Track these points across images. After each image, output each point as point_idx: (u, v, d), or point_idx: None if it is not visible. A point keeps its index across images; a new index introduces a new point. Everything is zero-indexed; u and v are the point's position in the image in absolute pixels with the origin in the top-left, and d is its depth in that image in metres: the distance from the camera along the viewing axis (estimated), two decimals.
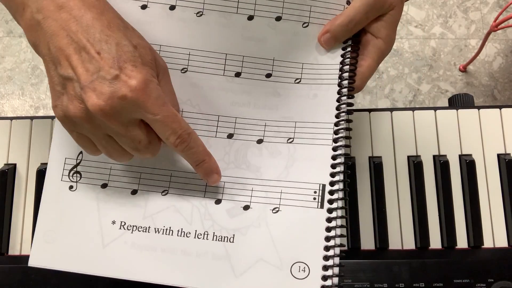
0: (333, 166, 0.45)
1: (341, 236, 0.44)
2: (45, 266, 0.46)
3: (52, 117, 0.59)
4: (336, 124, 0.45)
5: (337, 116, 0.45)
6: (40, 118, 0.59)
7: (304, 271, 0.43)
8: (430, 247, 0.54)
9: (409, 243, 0.55)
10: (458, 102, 0.62)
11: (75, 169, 0.47)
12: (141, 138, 0.39)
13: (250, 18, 0.46)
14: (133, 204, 0.46)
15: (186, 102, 0.46)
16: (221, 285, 0.44)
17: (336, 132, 0.45)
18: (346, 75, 0.46)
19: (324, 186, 0.45)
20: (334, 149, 0.45)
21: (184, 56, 0.46)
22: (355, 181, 0.56)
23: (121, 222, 0.46)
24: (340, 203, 0.44)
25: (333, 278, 0.43)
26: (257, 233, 0.44)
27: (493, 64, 1.47)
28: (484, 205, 0.55)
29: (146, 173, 0.46)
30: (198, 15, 0.46)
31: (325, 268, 0.43)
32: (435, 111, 0.58)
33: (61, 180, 0.47)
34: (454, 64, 1.46)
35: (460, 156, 0.57)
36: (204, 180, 0.45)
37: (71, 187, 0.46)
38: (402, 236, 0.55)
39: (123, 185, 0.46)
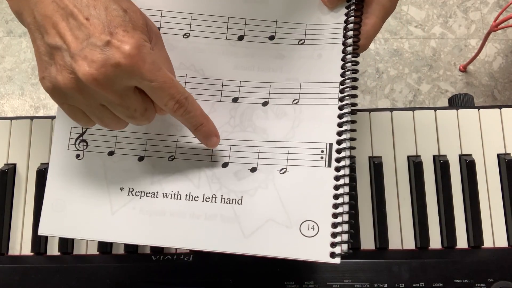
0: (340, 124, 0.45)
1: (349, 193, 0.44)
2: (54, 234, 0.46)
3: (52, 117, 0.59)
4: (342, 83, 0.45)
5: (342, 75, 0.45)
6: (40, 118, 0.59)
7: (314, 229, 0.43)
8: (430, 247, 0.54)
9: (409, 243, 0.55)
10: (458, 102, 0.62)
11: (81, 138, 0.47)
12: (137, 105, 0.38)
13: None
14: (141, 171, 0.46)
15: (189, 67, 0.46)
16: (231, 246, 0.44)
17: (342, 91, 0.45)
18: (350, 33, 0.46)
19: (331, 145, 0.45)
20: (340, 108, 0.45)
21: (186, 21, 0.46)
22: (355, 181, 0.56)
23: (129, 188, 0.46)
24: (347, 161, 0.44)
25: (343, 235, 0.43)
26: (265, 194, 0.45)
27: (493, 64, 1.47)
28: (484, 205, 0.55)
29: (152, 140, 0.47)
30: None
31: (334, 225, 0.43)
32: (435, 111, 0.58)
33: (68, 149, 0.47)
34: (454, 64, 1.46)
35: (460, 156, 0.57)
36: (203, 143, 0.45)
37: (77, 155, 0.47)
38: (402, 236, 0.55)
39: (129, 152, 0.46)
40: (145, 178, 0.46)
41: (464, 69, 1.45)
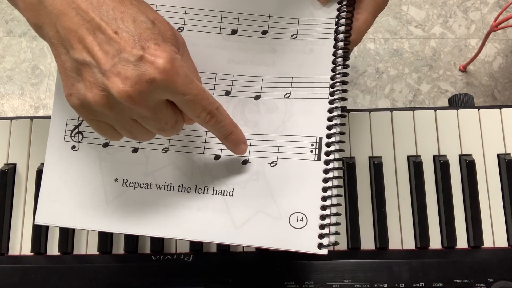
0: (330, 119, 0.45)
1: (337, 186, 0.45)
2: (50, 223, 0.47)
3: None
4: (332, 78, 0.46)
5: (333, 70, 0.46)
6: (40, 118, 0.59)
7: (302, 220, 0.44)
8: (430, 247, 0.54)
9: (409, 243, 0.55)
10: (458, 102, 0.62)
11: (76, 130, 0.48)
12: (168, 119, 0.37)
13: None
14: (135, 162, 0.47)
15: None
16: (222, 236, 0.45)
17: (332, 86, 0.46)
18: (342, 29, 0.46)
19: (321, 138, 0.45)
20: (331, 102, 0.46)
21: (180, 15, 0.46)
22: (355, 181, 0.56)
23: (123, 179, 0.47)
24: (336, 155, 0.45)
25: (331, 227, 0.44)
26: (256, 186, 0.45)
27: (493, 64, 1.47)
28: (484, 205, 0.55)
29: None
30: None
31: (323, 217, 0.44)
32: (435, 111, 0.58)
33: (64, 140, 0.48)
34: (454, 64, 1.46)
35: (460, 156, 0.57)
36: (231, 151, 0.45)
37: (73, 147, 0.47)
38: (402, 236, 0.55)
39: (124, 144, 0.47)
40: (139, 170, 0.47)
41: (464, 69, 1.45)
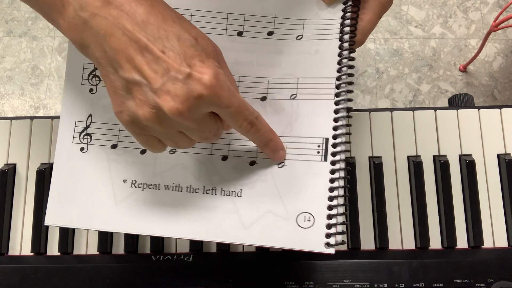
0: (336, 120, 0.46)
1: (344, 187, 0.45)
2: (60, 224, 0.48)
3: (52, 117, 0.59)
4: (338, 79, 0.46)
5: (338, 71, 0.46)
6: (40, 118, 0.59)
7: (309, 220, 0.45)
8: (430, 247, 0.54)
9: (409, 243, 0.55)
10: (458, 102, 0.62)
11: (85, 131, 0.48)
12: (211, 128, 0.39)
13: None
14: (143, 163, 0.47)
15: None
16: (231, 236, 0.45)
17: (338, 87, 0.46)
18: (347, 29, 0.46)
19: (327, 139, 0.46)
20: (336, 103, 0.46)
21: (186, 17, 0.46)
22: (355, 181, 0.56)
23: (132, 180, 0.47)
24: (342, 156, 0.45)
25: (337, 226, 0.44)
26: (264, 186, 0.46)
27: (493, 64, 1.47)
28: (484, 205, 0.55)
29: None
30: None
31: (329, 217, 0.44)
32: (435, 111, 0.58)
33: (72, 142, 0.48)
34: (454, 64, 1.46)
35: (460, 156, 0.57)
36: (269, 157, 0.46)
37: (82, 148, 0.48)
38: (402, 236, 0.55)
39: (132, 145, 0.47)
40: (147, 171, 0.47)
41: (464, 69, 1.45)
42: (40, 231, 0.55)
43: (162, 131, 0.37)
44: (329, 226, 0.44)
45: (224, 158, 0.47)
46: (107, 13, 0.34)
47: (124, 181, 0.47)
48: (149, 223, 0.46)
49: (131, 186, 0.47)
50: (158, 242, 0.55)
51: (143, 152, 0.47)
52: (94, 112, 0.48)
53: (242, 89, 0.47)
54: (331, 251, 0.44)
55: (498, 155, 0.56)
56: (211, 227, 0.45)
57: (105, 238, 0.55)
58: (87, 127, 0.48)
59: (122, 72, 0.35)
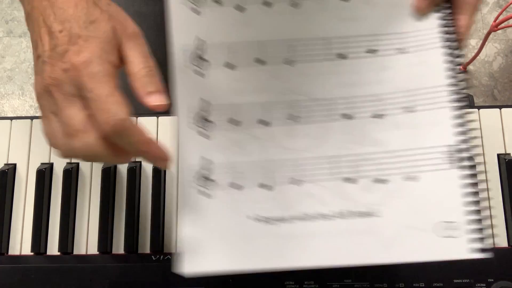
0: (457, 125, 0.46)
1: (479, 190, 0.45)
2: (200, 272, 0.46)
3: None
4: (451, 85, 0.46)
5: (450, 77, 0.46)
6: (40, 118, 0.59)
7: (450, 229, 0.44)
8: None
9: None
10: None
11: (207, 177, 0.46)
12: (72, 115, 0.37)
13: None
14: (268, 198, 0.46)
15: (296, 92, 0.46)
16: (372, 258, 0.44)
17: (452, 93, 0.46)
18: (448, 36, 0.47)
19: (451, 146, 0.46)
20: (455, 109, 0.46)
21: (285, 48, 0.46)
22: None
23: (260, 217, 0.46)
24: (470, 160, 0.45)
25: (479, 231, 0.44)
26: (395, 203, 0.45)
27: (493, 64, 1.47)
28: (484, 205, 0.55)
29: (271, 166, 0.47)
30: (293, 5, 0.46)
31: (469, 222, 0.44)
32: None
33: (198, 193, 0.46)
34: None
35: None
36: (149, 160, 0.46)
37: (205, 194, 0.46)
38: None
39: (254, 182, 0.46)
40: (274, 205, 0.46)
41: (464, 69, 1.45)
42: (40, 231, 0.55)
43: (45, 103, 0.39)
44: (470, 231, 0.44)
45: (349, 180, 0.46)
46: (39, 4, 0.39)
47: (253, 218, 0.46)
48: (286, 256, 0.45)
49: (261, 222, 0.46)
50: (158, 242, 0.55)
51: (265, 187, 0.46)
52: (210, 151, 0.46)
53: (354, 110, 0.46)
54: (479, 255, 0.43)
55: (498, 155, 0.56)
56: (349, 251, 0.44)
57: (105, 238, 0.55)
58: (208, 173, 0.46)
59: (36, 49, 0.39)
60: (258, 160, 0.47)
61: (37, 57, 0.39)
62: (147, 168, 0.58)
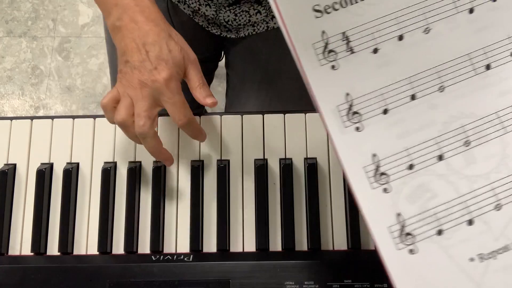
0: None
1: None
2: None
3: (52, 117, 0.59)
4: None
5: None
6: (40, 118, 0.59)
7: None
8: None
9: None
10: None
11: (404, 232, 0.44)
12: (149, 108, 0.52)
13: (471, 11, 0.45)
14: (477, 233, 0.44)
15: (459, 116, 0.45)
16: None
17: None
18: None
19: None
20: None
21: (433, 76, 0.45)
22: None
23: (478, 255, 0.44)
24: None
25: None
26: None
27: None
28: None
29: (467, 201, 0.44)
30: (426, 32, 0.44)
31: None
32: None
33: (397, 249, 0.44)
34: None
35: None
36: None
37: (411, 251, 0.44)
38: None
39: (456, 222, 0.44)
40: (487, 237, 0.44)
41: None
42: (40, 231, 0.55)
43: (130, 92, 0.53)
44: None
45: None
46: (129, 26, 0.53)
47: (471, 259, 0.43)
48: None
49: (482, 261, 0.43)
50: (158, 242, 0.55)
51: (470, 223, 0.44)
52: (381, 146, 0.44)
53: None
54: None
55: None
56: None
57: (105, 238, 0.55)
58: (403, 226, 0.43)
59: (123, 56, 0.53)
60: (451, 199, 0.44)
61: (126, 61, 0.53)
62: (147, 168, 0.58)
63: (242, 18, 0.73)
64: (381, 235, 0.43)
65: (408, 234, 0.43)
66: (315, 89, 0.43)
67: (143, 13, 0.54)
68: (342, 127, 0.43)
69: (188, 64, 0.54)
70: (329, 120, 0.43)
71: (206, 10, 0.73)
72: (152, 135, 0.53)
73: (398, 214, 0.43)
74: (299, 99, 0.77)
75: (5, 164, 0.58)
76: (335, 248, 0.55)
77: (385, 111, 0.44)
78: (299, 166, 0.57)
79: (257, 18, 0.73)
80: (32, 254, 0.55)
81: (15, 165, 0.58)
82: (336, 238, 0.55)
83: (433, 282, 0.43)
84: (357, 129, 0.43)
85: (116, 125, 0.57)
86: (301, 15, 0.42)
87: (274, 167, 0.57)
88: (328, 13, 0.42)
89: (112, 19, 0.54)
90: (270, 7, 0.72)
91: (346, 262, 0.52)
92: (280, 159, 0.57)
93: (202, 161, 0.58)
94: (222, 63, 0.89)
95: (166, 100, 0.52)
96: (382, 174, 0.43)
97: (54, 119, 0.59)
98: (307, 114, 0.58)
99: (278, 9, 0.42)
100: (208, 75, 0.88)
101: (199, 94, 0.54)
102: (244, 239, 0.56)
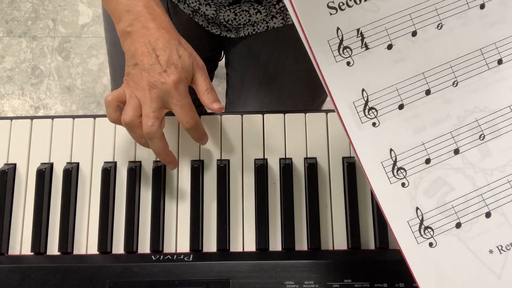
0: None
1: None
2: None
3: (52, 117, 0.59)
4: None
5: None
6: (40, 118, 0.59)
7: None
8: None
9: None
10: None
11: (423, 225, 0.44)
12: (158, 109, 0.52)
13: (482, 6, 0.45)
14: (495, 225, 0.44)
15: (473, 110, 0.45)
16: None
17: None
18: None
19: None
20: None
21: (447, 71, 0.45)
22: (355, 181, 0.56)
23: (498, 247, 0.44)
24: None
25: None
26: None
27: None
28: None
29: (484, 193, 0.45)
30: (438, 28, 0.45)
31: None
32: None
33: (417, 243, 0.44)
34: None
35: None
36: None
37: (430, 244, 0.44)
38: None
39: (474, 215, 0.44)
40: (505, 230, 0.44)
41: None
42: (40, 231, 0.55)
43: (138, 93, 0.53)
44: None
45: None
46: (141, 31, 0.54)
47: (491, 251, 0.44)
48: None
49: (501, 253, 0.44)
50: (158, 242, 0.55)
51: (488, 215, 0.44)
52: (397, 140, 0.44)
53: None
54: None
55: None
56: None
57: (105, 238, 0.55)
58: (422, 220, 0.44)
59: (133, 59, 0.54)
60: (468, 192, 0.44)
61: (135, 64, 0.54)
62: (147, 168, 0.58)
63: (242, 18, 0.73)
64: (401, 230, 0.44)
65: (427, 227, 0.44)
66: (331, 86, 0.42)
67: (154, 21, 0.55)
68: (358, 123, 0.43)
69: (196, 70, 0.56)
70: (346, 116, 0.43)
71: (206, 10, 0.73)
72: (160, 136, 0.53)
73: (417, 208, 0.44)
74: (299, 99, 0.77)
75: (5, 164, 0.58)
76: (335, 248, 0.55)
77: (401, 107, 0.44)
78: (299, 166, 0.57)
79: (257, 18, 0.73)
80: (32, 254, 0.55)
81: (15, 165, 0.58)
82: (336, 238, 0.55)
83: (454, 275, 0.44)
84: (374, 124, 0.43)
85: (116, 125, 0.57)
86: (315, 12, 0.42)
87: (274, 167, 0.57)
88: (343, 10, 0.42)
89: (123, 24, 0.55)
90: (270, 7, 0.72)
91: (346, 262, 0.52)
92: (280, 159, 0.57)
93: (202, 160, 0.58)
94: (222, 63, 0.89)
95: (175, 102, 0.53)
96: (400, 169, 0.43)
97: (54, 119, 0.59)
98: (307, 114, 0.58)
99: (292, 6, 0.42)
100: (208, 75, 0.88)
101: (207, 99, 0.55)
102: (244, 239, 0.56)
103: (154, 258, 0.53)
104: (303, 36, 0.42)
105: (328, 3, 0.42)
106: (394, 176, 0.43)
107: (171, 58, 0.53)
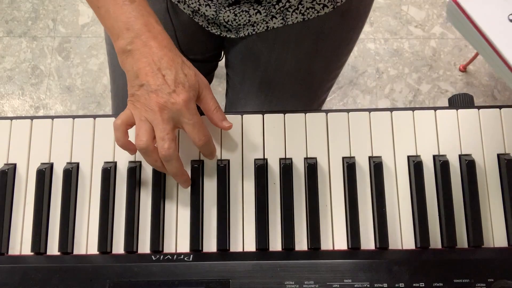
0: None
1: None
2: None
3: (52, 117, 0.59)
4: None
5: None
6: (40, 118, 0.59)
7: None
8: (430, 247, 0.54)
9: (409, 243, 0.55)
10: (458, 102, 0.62)
11: None
12: (170, 132, 0.52)
13: None
14: None
15: None
16: None
17: None
18: None
19: None
20: None
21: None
22: (355, 181, 0.56)
23: None
24: None
25: None
26: None
27: None
28: (484, 204, 0.55)
29: None
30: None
31: None
32: (435, 111, 0.58)
33: None
34: (454, 64, 1.46)
35: (460, 156, 0.57)
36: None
37: None
38: (402, 236, 0.55)
39: None
40: None
41: (464, 69, 1.45)
42: (40, 231, 0.55)
43: (148, 116, 0.52)
44: None
45: None
46: (142, 50, 0.53)
47: None
48: None
49: None
50: (158, 242, 0.55)
51: None
52: None
53: None
54: None
55: (498, 155, 0.56)
56: None
57: (105, 238, 0.55)
58: None
59: (137, 80, 0.53)
60: None
61: (140, 85, 0.52)
62: (147, 168, 0.58)
63: (242, 18, 0.73)
64: None
65: None
66: None
67: (156, 39, 0.54)
68: None
69: (202, 88, 0.56)
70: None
71: (206, 10, 0.73)
72: (177, 157, 0.53)
73: None
74: (299, 100, 0.77)
75: (5, 164, 0.58)
76: (335, 248, 0.55)
77: None
78: (299, 166, 0.57)
79: (257, 18, 0.73)
80: (32, 254, 0.55)
81: (15, 165, 0.58)
82: (336, 238, 0.55)
83: None
84: None
85: None
86: (500, 27, 0.44)
87: (274, 167, 0.57)
88: None
89: (123, 42, 0.54)
90: (269, 7, 0.72)
91: (346, 262, 0.52)
92: (280, 159, 0.57)
93: (202, 161, 0.58)
94: (222, 63, 0.89)
95: (187, 121, 0.52)
96: None
97: (54, 119, 0.59)
98: (307, 114, 0.58)
99: (479, 29, 0.43)
100: (208, 75, 0.88)
101: (216, 117, 0.56)
102: (244, 239, 0.56)
103: (154, 258, 0.53)
104: (495, 51, 0.44)
105: (508, 16, 0.43)
106: None
107: (178, 77, 0.53)
